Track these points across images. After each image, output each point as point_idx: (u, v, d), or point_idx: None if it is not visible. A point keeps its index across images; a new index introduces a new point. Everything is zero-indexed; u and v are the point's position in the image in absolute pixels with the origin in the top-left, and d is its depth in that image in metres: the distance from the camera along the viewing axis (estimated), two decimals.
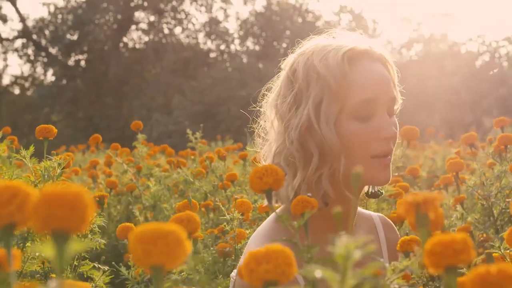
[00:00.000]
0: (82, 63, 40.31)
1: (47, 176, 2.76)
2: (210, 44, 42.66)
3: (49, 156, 2.85)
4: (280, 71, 2.35)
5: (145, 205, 4.79)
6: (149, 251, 0.90)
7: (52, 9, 39.47)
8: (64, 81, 38.75)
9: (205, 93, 34.18)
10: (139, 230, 0.91)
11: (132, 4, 39.97)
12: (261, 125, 2.41)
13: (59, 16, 38.99)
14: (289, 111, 2.18)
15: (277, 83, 2.33)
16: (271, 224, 2.26)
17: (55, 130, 2.90)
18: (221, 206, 3.14)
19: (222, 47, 42.49)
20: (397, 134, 2.20)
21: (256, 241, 2.24)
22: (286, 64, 2.31)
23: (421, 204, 1.02)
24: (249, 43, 42.66)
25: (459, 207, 3.38)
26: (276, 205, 2.30)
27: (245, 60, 40.73)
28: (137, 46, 41.47)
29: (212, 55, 42.55)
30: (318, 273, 0.90)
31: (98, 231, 2.84)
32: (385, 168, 2.17)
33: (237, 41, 43.17)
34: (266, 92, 2.41)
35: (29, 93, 40.68)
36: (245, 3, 43.17)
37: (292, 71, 2.23)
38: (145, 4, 40.45)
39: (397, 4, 69.62)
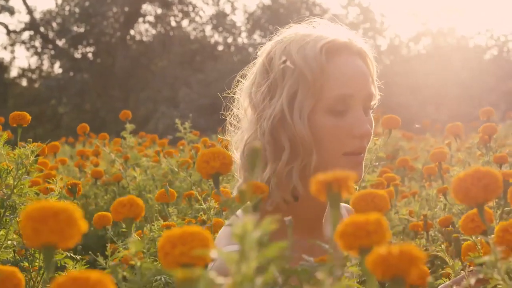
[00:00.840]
0: (89, 55, 40.28)
1: (20, 163, 2.73)
2: (217, 37, 42.61)
3: (24, 144, 2.81)
4: (256, 58, 2.31)
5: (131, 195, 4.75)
6: (39, 229, 0.86)
7: (59, 1, 39.46)
8: (71, 74, 38.70)
9: (212, 86, 34.13)
10: (29, 208, 0.87)
11: None
12: (233, 113, 2.36)
13: (67, 8, 38.96)
14: (263, 101, 2.14)
15: (253, 70, 2.28)
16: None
17: (29, 117, 2.86)
18: (198, 195, 3.10)
19: (229, 40, 42.43)
20: (371, 132, 2.15)
21: (224, 236, 2.20)
22: (262, 52, 2.27)
23: (332, 183, 0.98)
24: (256, 36, 42.58)
25: (442, 198, 3.34)
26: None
27: (251, 53, 40.59)
28: (144, 38, 41.45)
29: (219, 48, 42.46)
30: (213, 253, 0.86)
31: None
32: (357, 165, 2.13)
33: (244, 34, 43.12)
34: (240, 79, 2.36)
35: (36, 85, 40.65)
36: None
37: (269, 59, 2.18)
38: None
39: None
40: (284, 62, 2.09)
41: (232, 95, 2.38)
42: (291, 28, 2.27)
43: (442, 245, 2.14)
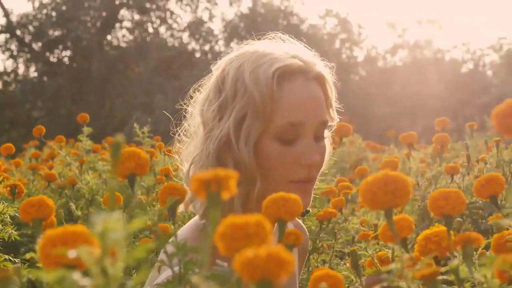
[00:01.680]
0: (65, 60, 40.11)
1: None
2: (194, 45, 42.61)
3: None
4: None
5: (86, 199, 4.71)
6: None
7: (36, 4, 39.27)
8: (47, 78, 38.51)
9: (188, 94, 34.08)
10: None
11: (117, 2, 39.82)
12: (185, 127, 2.29)
13: (43, 11, 38.78)
14: (213, 120, 2.07)
15: (208, 84, 2.20)
16: (190, 231, 2.17)
17: None
18: (143, 200, 3.06)
19: (206, 47, 42.47)
20: (321, 161, 2.09)
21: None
22: (218, 67, 2.18)
23: (212, 181, 0.94)
24: (234, 44, 42.55)
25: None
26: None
27: None
28: (121, 44, 41.34)
29: (196, 55, 42.47)
30: (72, 253, 0.81)
31: (10, 222, 2.75)
32: (304, 193, 2.05)
33: (221, 42, 43.17)
34: (194, 93, 2.28)
35: (11, 88, 40.40)
36: (230, 4, 43.14)
37: (222, 77, 2.10)
38: (130, 2, 40.28)
39: (382, 10, 69.71)
40: (236, 82, 2.04)
41: (186, 107, 2.31)
42: (250, 45, 2.20)
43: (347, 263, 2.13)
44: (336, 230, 3.16)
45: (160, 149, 4.96)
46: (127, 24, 41.68)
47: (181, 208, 2.11)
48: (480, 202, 3.31)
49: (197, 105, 2.19)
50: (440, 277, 1.32)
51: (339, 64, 40.91)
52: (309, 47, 2.24)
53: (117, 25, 41.02)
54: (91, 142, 5.34)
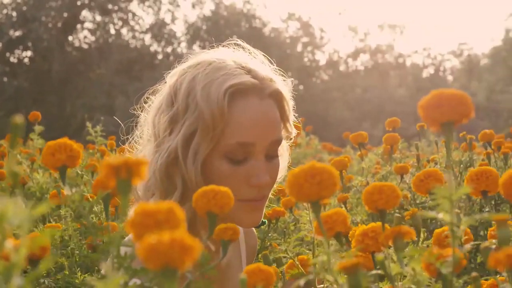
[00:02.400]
0: (26, 60, 39.75)
1: None
2: (156, 46, 42.53)
3: None
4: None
5: (36, 198, 4.64)
6: None
7: None
8: (7, 78, 38.12)
9: None
10: None
11: (78, 3, 39.60)
12: (138, 133, 2.22)
13: (4, 11, 38.41)
14: (163, 132, 2.00)
15: (162, 91, 2.12)
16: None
17: None
18: (89, 198, 3.01)
19: (169, 49, 42.40)
20: (273, 180, 2.03)
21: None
22: (172, 75, 2.09)
23: (122, 167, 0.92)
24: (196, 46, 42.58)
25: (343, 207, 3.31)
26: None
27: None
28: (83, 45, 41.10)
29: (158, 57, 42.39)
30: None
31: None
32: (254, 210, 2.00)
33: (183, 44, 43.14)
34: (149, 98, 2.22)
35: None
36: (193, 6, 43.15)
37: (175, 88, 2.02)
38: (92, 3, 40.08)
39: (344, 14, 70.09)
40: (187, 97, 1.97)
41: (139, 112, 2.24)
42: (206, 53, 2.12)
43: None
44: (287, 230, 3.15)
45: (111, 147, 4.92)
46: (88, 25, 41.48)
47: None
48: (430, 201, 3.32)
49: (151, 114, 2.11)
50: (374, 272, 1.32)
51: (301, 68, 41.08)
52: (269, 58, 2.19)
53: (79, 26, 40.81)
54: (42, 141, 5.27)
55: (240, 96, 1.96)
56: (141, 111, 2.22)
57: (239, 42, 2.20)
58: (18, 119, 0.87)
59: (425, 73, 49.15)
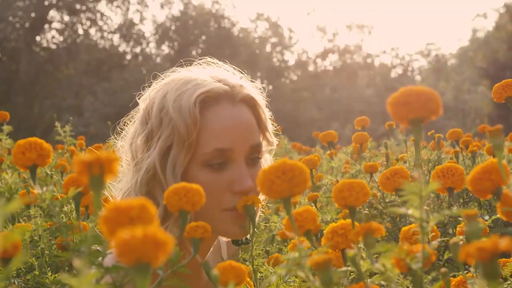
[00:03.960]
0: None
1: None
2: (125, 47, 42.41)
3: None
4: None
5: (5, 198, 4.60)
6: None
7: None
8: None
9: (118, 95, 33.95)
10: None
11: (46, 3, 39.37)
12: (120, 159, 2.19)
13: None
14: (141, 152, 1.99)
15: (137, 116, 2.11)
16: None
17: None
18: (59, 197, 3.00)
19: (137, 50, 42.28)
20: (254, 186, 1.94)
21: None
22: (144, 98, 2.09)
23: (94, 164, 0.92)
24: (165, 47, 42.55)
25: (313, 205, 3.32)
26: None
27: (159, 63, 40.65)
28: (51, 45, 40.87)
29: (127, 57, 42.26)
30: None
31: None
32: (239, 220, 1.96)
33: (152, 44, 43.05)
34: (124, 126, 2.19)
35: None
36: (161, 6, 43.07)
37: (148, 107, 2.02)
38: (60, 3, 39.87)
39: (313, 14, 70.21)
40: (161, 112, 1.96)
41: (115, 141, 2.21)
42: (177, 72, 2.11)
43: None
44: (258, 229, 3.15)
45: (81, 147, 4.90)
46: (56, 25, 41.28)
47: None
48: (399, 200, 3.33)
49: (127, 139, 2.11)
50: (344, 268, 1.33)
51: (270, 68, 41.14)
52: (240, 70, 2.19)
53: (46, 26, 40.58)
54: (11, 141, 5.23)
55: (212, 103, 1.95)
56: (119, 139, 2.20)
57: (209, 58, 2.20)
58: None
59: (393, 73, 49.45)
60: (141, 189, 1.95)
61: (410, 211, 1.17)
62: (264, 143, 2.12)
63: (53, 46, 40.77)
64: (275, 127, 2.23)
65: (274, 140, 2.19)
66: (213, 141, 1.91)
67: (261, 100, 2.11)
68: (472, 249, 0.84)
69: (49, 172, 4.05)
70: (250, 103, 2.05)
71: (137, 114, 2.11)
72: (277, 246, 3.52)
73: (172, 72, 2.13)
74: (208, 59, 2.19)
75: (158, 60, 42.12)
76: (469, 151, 3.57)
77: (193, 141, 1.90)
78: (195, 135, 1.90)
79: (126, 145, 2.10)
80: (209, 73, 2.05)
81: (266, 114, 2.13)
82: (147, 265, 0.78)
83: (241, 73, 2.17)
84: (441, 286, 1.24)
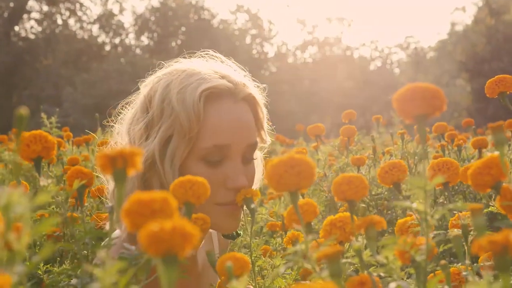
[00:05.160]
0: None
1: None
2: (104, 37, 42.27)
3: None
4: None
5: None
6: None
7: None
8: None
9: (97, 86, 33.84)
10: None
11: None
12: (112, 145, 2.19)
13: None
14: (139, 139, 2.01)
15: (136, 101, 2.13)
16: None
17: None
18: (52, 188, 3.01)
19: (116, 40, 42.15)
20: (250, 183, 2.04)
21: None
22: (146, 85, 2.10)
23: (117, 158, 0.94)
24: (144, 38, 42.43)
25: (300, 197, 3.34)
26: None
27: (138, 54, 40.54)
28: (29, 35, 40.65)
29: (106, 48, 42.12)
30: None
31: None
32: (231, 216, 2.01)
33: (131, 35, 42.93)
34: (122, 110, 2.19)
35: None
36: None
37: (150, 95, 2.04)
38: None
39: (293, 6, 70.26)
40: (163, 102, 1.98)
41: (113, 124, 2.21)
42: (180, 63, 2.13)
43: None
44: (244, 222, 3.17)
45: (68, 139, 4.91)
46: (35, 15, 41.09)
47: None
48: (386, 193, 3.37)
49: (125, 124, 2.12)
50: (344, 260, 1.35)
51: (250, 60, 41.10)
52: (241, 66, 2.21)
53: (25, 16, 40.35)
54: None
55: (215, 99, 1.98)
56: (115, 123, 2.21)
57: (212, 52, 2.22)
58: (23, 111, 0.89)
59: (372, 66, 49.57)
60: (138, 176, 1.97)
61: (414, 205, 1.20)
62: (258, 140, 2.15)
63: (32, 36, 40.57)
64: (271, 126, 2.26)
65: (268, 139, 2.23)
66: (213, 137, 1.94)
67: (261, 100, 2.15)
68: (484, 242, 0.87)
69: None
70: (251, 102, 2.09)
71: (136, 99, 2.13)
72: (264, 238, 3.54)
73: (175, 62, 2.14)
74: (211, 52, 2.21)
75: (138, 51, 42.04)
76: (455, 145, 3.61)
77: (193, 135, 1.93)
78: (196, 129, 1.92)
79: (123, 129, 2.12)
80: (212, 68, 2.08)
81: (264, 113, 2.17)
82: (174, 256, 0.81)
83: (243, 70, 2.20)
84: (441, 278, 1.27)
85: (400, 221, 1.71)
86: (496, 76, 2.03)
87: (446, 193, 3.42)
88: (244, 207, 1.92)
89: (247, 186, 2.00)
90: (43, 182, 1.46)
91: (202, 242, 2.24)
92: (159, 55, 38.00)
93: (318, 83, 42.57)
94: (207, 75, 2.01)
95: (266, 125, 2.20)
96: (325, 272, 1.13)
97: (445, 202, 3.30)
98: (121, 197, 0.96)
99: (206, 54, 2.21)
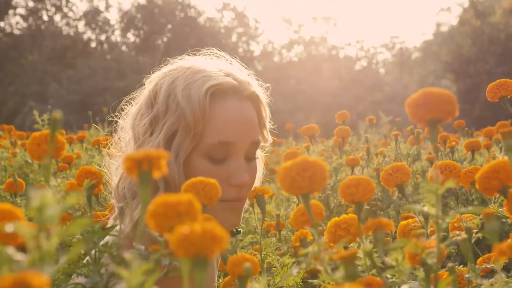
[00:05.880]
0: None
1: None
2: (90, 34, 42.16)
3: None
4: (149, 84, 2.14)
5: None
6: None
7: None
8: None
9: (82, 83, 33.79)
10: None
11: None
12: (115, 140, 2.18)
13: None
14: (144, 134, 2.02)
15: (140, 97, 2.14)
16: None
17: None
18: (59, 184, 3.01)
19: (102, 37, 42.05)
20: (251, 181, 2.05)
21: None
22: (151, 80, 2.12)
23: (143, 161, 0.96)
24: (130, 35, 42.36)
25: (295, 198, 3.36)
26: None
27: (124, 51, 40.47)
28: (15, 31, 40.49)
29: (92, 45, 42.01)
30: (9, 227, 0.82)
31: None
32: (233, 212, 2.03)
33: (117, 32, 42.84)
34: (126, 105, 2.21)
35: None
36: None
37: (155, 91, 2.05)
38: None
39: (279, 5, 70.30)
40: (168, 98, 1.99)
41: (117, 119, 2.22)
42: (185, 60, 2.15)
43: None
44: None
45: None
46: (21, 11, 40.97)
47: None
48: (379, 194, 3.39)
49: (129, 119, 2.13)
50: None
51: (236, 58, 41.10)
52: (245, 65, 2.23)
53: (11, 11, 40.17)
54: None
55: (220, 96, 1.99)
56: (118, 118, 2.22)
57: (216, 50, 2.24)
58: (57, 114, 0.90)
59: (358, 66, 49.66)
60: None
61: (425, 208, 1.22)
62: (260, 139, 2.17)
63: (18, 32, 40.41)
64: (273, 125, 2.28)
65: (269, 138, 2.24)
66: (218, 134, 1.96)
67: (264, 99, 2.17)
68: (505, 247, 0.89)
69: (30, 161, 4.05)
70: (254, 100, 2.11)
71: (141, 95, 2.14)
72: (257, 237, 3.56)
73: (180, 59, 2.15)
74: (216, 51, 2.23)
75: (124, 48, 41.98)
76: (448, 147, 3.64)
77: (198, 131, 1.94)
78: (201, 125, 1.94)
79: (127, 124, 2.13)
80: (218, 66, 2.10)
81: (267, 112, 2.19)
82: (205, 259, 0.82)
83: (247, 69, 2.21)
84: (450, 281, 1.29)
85: (402, 223, 1.72)
86: (497, 80, 2.06)
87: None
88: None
89: (249, 183, 2.02)
90: (53, 181, 1.47)
91: None
92: (145, 52, 38.02)
93: (303, 82, 42.61)
94: (213, 73, 2.02)
95: (268, 124, 2.22)
96: (337, 274, 1.15)
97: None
98: (146, 199, 0.98)
99: (211, 52, 2.22)
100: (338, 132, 3.46)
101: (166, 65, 2.16)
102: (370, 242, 1.48)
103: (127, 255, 1.29)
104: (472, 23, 37.63)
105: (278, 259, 2.03)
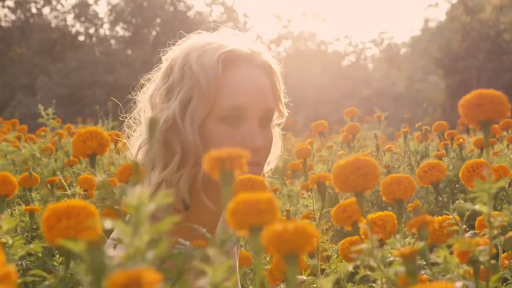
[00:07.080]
0: None
1: None
2: (78, 27, 42.03)
3: None
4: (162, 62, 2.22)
5: None
6: None
7: None
8: None
9: (71, 76, 33.71)
10: None
11: None
12: (134, 115, 2.26)
13: None
14: (161, 103, 2.09)
15: (157, 75, 2.22)
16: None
17: None
18: (63, 182, 3.03)
19: (91, 30, 41.92)
20: (266, 146, 2.11)
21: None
22: (167, 57, 2.20)
23: (226, 160, 0.98)
24: (119, 28, 42.24)
25: (306, 194, 3.39)
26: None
27: (113, 45, 40.36)
28: (3, 24, 40.31)
29: (80, 38, 41.87)
30: (108, 223, 0.84)
31: None
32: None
33: (106, 26, 42.71)
34: (145, 82, 2.26)
35: None
36: None
37: (171, 65, 2.13)
38: None
39: (268, 0, 70.22)
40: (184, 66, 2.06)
41: (134, 97, 2.28)
42: (198, 35, 2.22)
43: None
44: None
45: (68, 130, 4.92)
46: (9, 3, 40.74)
47: None
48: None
49: (147, 94, 2.20)
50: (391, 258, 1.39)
51: None
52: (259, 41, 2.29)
53: None
54: None
55: (232, 62, 2.07)
56: (136, 96, 2.28)
57: (230, 29, 2.29)
58: (156, 116, 0.93)
59: (346, 61, 49.71)
60: (158, 138, 2.04)
61: (477, 207, 1.25)
62: (276, 114, 2.26)
63: (5, 25, 40.23)
64: (288, 100, 2.32)
65: (285, 112, 2.31)
66: (231, 98, 2.03)
67: (278, 71, 2.23)
68: None
69: (38, 155, 4.06)
70: (267, 70, 2.17)
71: (158, 72, 2.22)
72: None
73: (197, 33, 2.23)
74: (230, 29, 2.27)
75: (113, 41, 41.83)
76: (457, 144, 3.67)
77: (212, 96, 2.01)
78: (215, 90, 2.01)
79: (145, 99, 2.20)
80: (231, 38, 2.18)
81: (281, 84, 2.25)
82: (296, 256, 0.85)
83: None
84: (497, 278, 1.31)
85: (438, 218, 1.75)
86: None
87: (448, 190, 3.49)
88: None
89: (264, 147, 2.08)
90: (98, 177, 1.49)
91: (220, 218, 2.28)
92: (134, 46, 37.89)
93: (292, 77, 42.58)
94: (226, 42, 2.11)
95: (283, 98, 2.27)
96: (391, 271, 1.18)
97: (449, 200, 3.36)
98: (228, 197, 1.00)
99: (227, 30, 2.28)
100: (348, 128, 3.49)
101: (180, 41, 2.23)
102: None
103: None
104: (462, 19, 37.75)
105: (333, 247, 2.06)
